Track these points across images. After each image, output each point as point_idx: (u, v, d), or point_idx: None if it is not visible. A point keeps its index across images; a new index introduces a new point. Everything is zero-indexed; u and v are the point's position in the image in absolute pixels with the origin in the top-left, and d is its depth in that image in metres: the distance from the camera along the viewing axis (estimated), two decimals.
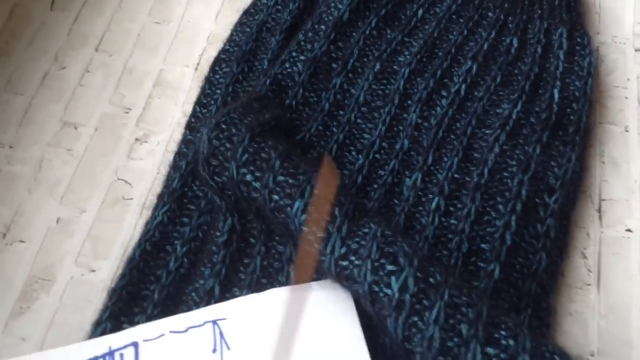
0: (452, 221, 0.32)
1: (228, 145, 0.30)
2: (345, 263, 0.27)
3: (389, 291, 0.26)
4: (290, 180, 0.29)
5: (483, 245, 0.31)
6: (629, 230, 0.34)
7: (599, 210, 0.35)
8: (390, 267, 0.26)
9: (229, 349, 0.28)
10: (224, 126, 0.31)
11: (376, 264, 0.26)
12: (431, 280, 0.26)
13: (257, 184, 0.29)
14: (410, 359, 0.26)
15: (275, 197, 0.29)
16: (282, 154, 0.30)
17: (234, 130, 0.31)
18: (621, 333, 0.31)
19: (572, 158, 0.34)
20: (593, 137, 0.37)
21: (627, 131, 0.37)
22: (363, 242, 0.27)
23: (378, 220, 0.28)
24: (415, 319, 0.25)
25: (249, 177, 0.29)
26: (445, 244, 0.31)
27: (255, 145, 0.30)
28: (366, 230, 0.28)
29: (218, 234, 0.32)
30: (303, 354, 0.28)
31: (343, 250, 0.27)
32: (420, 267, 0.26)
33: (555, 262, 0.32)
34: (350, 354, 0.28)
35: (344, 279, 0.27)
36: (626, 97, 0.39)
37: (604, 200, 0.35)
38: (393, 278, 0.26)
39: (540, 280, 0.31)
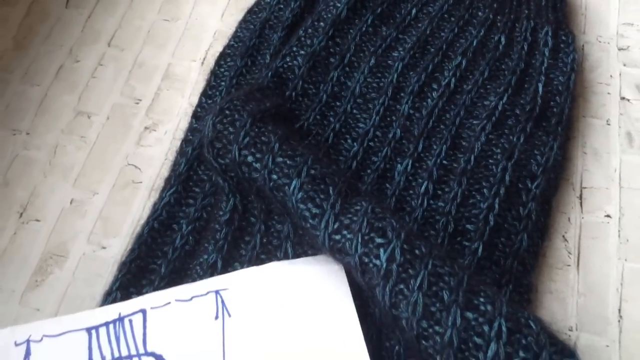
0: (440, 203, 0.34)
1: (231, 129, 0.33)
2: (337, 237, 0.29)
3: (377, 262, 0.28)
4: (288, 162, 0.31)
5: (468, 226, 0.33)
6: (607, 216, 0.36)
7: (580, 197, 0.37)
8: (379, 240, 0.28)
9: (230, 316, 0.30)
10: (227, 112, 0.33)
11: (366, 237, 0.29)
12: (416, 252, 0.28)
13: (257, 165, 0.32)
14: (397, 325, 0.28)
15: (274, 176, 0.31)
16: (281, 137, 0.32)
17: (236, 115, 0.33)
18: (598, 310, 0.33)
19: (554, 147, 0.36)
20: (576, 129, 0.39)
21: (608, 124, 0.40)
22: (354, 218, 0.29)
23: (369, 199, 0.31)
24: (402, 286, 0.27)
25: (250, 159, 0.32)
26: (433, 225, 0.33)
27: (256, 129, 0.32)
28: (358, 207, 0.30)
29: (221, 213, 0.34)
30: (298, 324, 0.30)
31: (336, 225, 0.29)
32: (407, 240, 0.28)
33: (537, 244, 0.34)
34: (342, 323, 0.30)
35: (336, 252, 0.30)
36: (609, 93, 0.41)
37: (584, 187, 0.37)
38: (381, 250, 0.28)
39: (521, 259, 0.33)
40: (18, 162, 0.39)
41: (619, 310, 0.33)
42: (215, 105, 0.35)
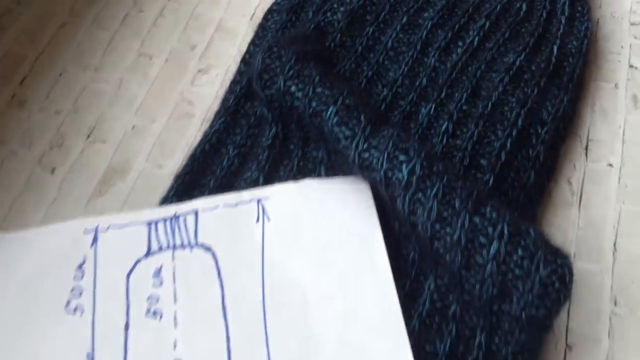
0: (458, 141, 0.38)
1: (277, 63, 0.37)
2: (366, 155, 0.34)
3: (399, 175, 0.32)
4: (326, 92, 0.36)
5: (482, 161, 0.37)
6: (610, 165, 0.40)
7: (586, 148, 0.41)
8: (401, 158, 0.33)
9: (269, 220, 0.35)
10: (275, 49, 0.38)
11: (391, 155, 0.33)
12: (434, 168, 0.33)
13: (299, 94, 0.36)
14: (414, 232, 0.33)
15: (314, 104, 0.36)
16: (320, 72, 0.37)
17: (283, 52, 0.38)
18: (595, 243, 0.37)
19: (564, 100, 0.40)
20: (587, 90, 0.43)
21: (616, 88, 0.43)
22: (382, 140, 0.34)
23: (395, 127, 0.35)
24: (419, 195, 0.32)
25: (293, 89, 0.36)
26: (450, 159, 0.38)
27: (300, 64, 0.37)
28: (385, 132, 0.35)
29: (264, 139, 0.39)
30: (327, 231, 0.35)
31: (365, 145, 0.34)
32: (426, 158, 0.33)
33: (543, 183, 0.38)
34: (367, 234, 0.34)
35: (364, 169, 0.34)
36: (619, 61, 0.45)
37: (591, 140, 0.41)
38: (404, 165, 0.33)
39: (528, 193, 0.37)
40: (87, 93, 0.44)
41: (614, 244, 0.37)
42: (264, 44, 0.40)
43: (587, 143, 0.41)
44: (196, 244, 0.34)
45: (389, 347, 0.31)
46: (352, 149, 0.34)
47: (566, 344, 0.34)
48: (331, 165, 0.37)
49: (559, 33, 0.43)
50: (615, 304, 0.35)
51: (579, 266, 0.36)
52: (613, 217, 0.38)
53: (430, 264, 0.33)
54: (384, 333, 0.31)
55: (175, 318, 0.32)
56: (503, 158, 0.37)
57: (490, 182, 0.36)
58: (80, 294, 0.33)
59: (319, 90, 0.36)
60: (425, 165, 0.33)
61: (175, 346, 0.31)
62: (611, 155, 0.41)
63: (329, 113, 0.35)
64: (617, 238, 0.37)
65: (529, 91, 0.40)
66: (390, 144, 0.34)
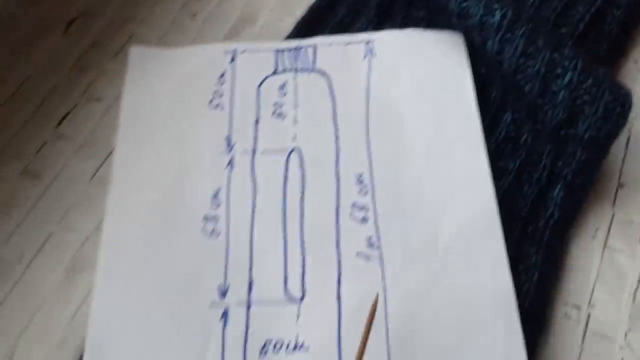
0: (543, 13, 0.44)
1: None
2: (464, 4, 0.40)
3: (492, 19, 0.39)
4: None
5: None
6: None
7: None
8: (495, 5, 0.39)
9: (375, 56, 0.42)
10: None
11: (486, 3, 0.39)
12: (523, 15, 0.38)
13: None
14: (499, 72, 0.39)
15: None
16: None
17: None
18: None
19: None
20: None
21: None
22: None
23: None
24: (509, 35, 0.38)
25: None
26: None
27: None
28: None
29: (372, 1, 0.45)
30: (423, 72, 0.41)
31: None
32: (517, 7, 0.39)
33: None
34: (459, 74, 0.41)
35: (462, 17, 0.40)
36: None
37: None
38: (497, 11, 0.39)
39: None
40: None
41: None
42: None
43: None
44: (314, 69, 0.42)
45: (469, 156, 0.37)
46: (452, 0, 0.40)
47: (618, 182, 0.39)
48: (431, 24, 0.44)
49: None
50: None
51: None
52: None
53: (509, 101, 0.39)
54: (465, 146, 0.38)
55: (295, 119, 0.40)
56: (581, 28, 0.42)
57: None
58: (221, 95, 0.41)
59: None
60: (516, 12, 0.38)
61: (294, 138, 0.39)
62: None
63: None
64: None
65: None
66: None
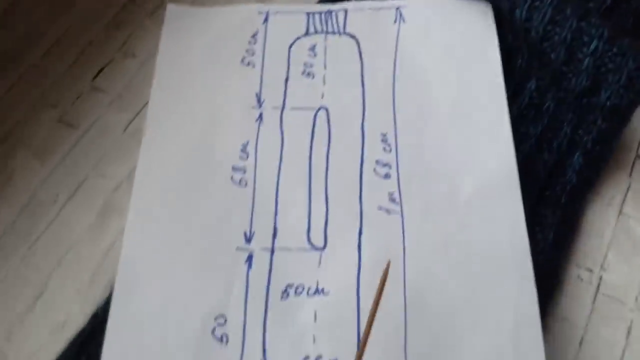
0: None
1: None
2: None
3: None
4: None
5: None
6: None
7: None
8: None
9: (404, 22, 0.43)
10: None
11: None
12: None
13: None
14: (526, 39, 0.39)
15: None
16: None
17: None
18: None
19: None
20: None
21: None
22: None
23: None
24: (537, 3, 0.39)
25: None
26: None
27: None
28: None
29: None
30: (451, 38, 0.42)
31: None
32: None
33: None
34: (486, 41, 0.41)
35: None
36: None
37: None
38: None
39: None
40: None
41: None
42: None
43: None
44: (344, 32, 0.43)
45: (492, 120, 0.38)
46: None
47: (636, 154, 0.40)
48: None
49: None
50: None
51: None
52: None
53: (534, 68, 0.40)
54: (489, 111, 0.39)
55: (324, 78, 0.41)
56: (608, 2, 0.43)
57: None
58: (253, 53, 0.42)
59: None
60: None
61: (322, 97, 0.40)
62: None
63: None
64: None
65: None
66: None
